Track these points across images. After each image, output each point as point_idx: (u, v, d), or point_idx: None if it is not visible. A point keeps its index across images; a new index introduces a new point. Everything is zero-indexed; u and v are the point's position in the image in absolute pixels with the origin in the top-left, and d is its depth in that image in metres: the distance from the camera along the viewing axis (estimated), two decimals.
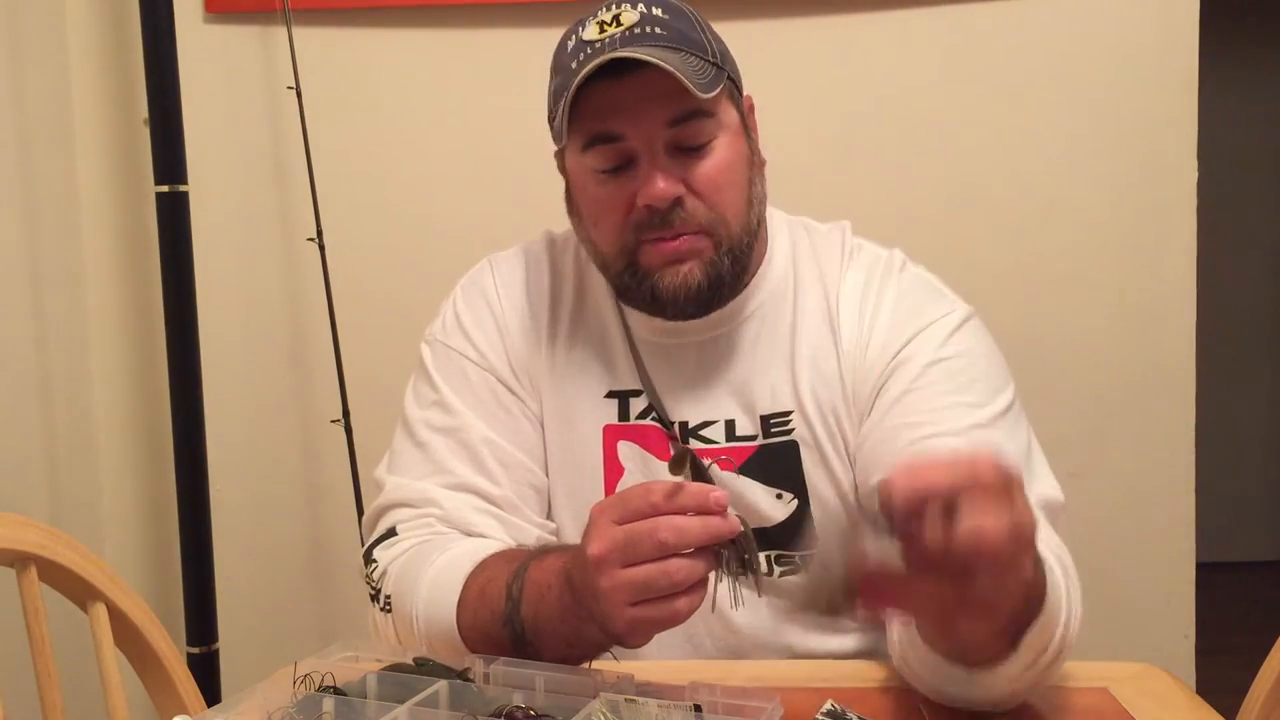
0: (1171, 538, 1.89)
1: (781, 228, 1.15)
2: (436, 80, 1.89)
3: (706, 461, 0.97)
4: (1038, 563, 0.79)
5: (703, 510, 0.77)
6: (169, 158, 1.76)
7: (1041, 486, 1.01)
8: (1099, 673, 0.97)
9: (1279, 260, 4.17)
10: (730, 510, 0.78)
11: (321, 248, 1.77)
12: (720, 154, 1.03)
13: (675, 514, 0.77)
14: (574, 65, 1.00)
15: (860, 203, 1.83)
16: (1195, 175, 1.84)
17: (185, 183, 1.78)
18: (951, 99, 1.85)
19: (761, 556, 1.08)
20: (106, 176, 1.92)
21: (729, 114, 1.05)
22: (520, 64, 1.83)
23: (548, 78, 1.07)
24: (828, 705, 0.86)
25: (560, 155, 1.11)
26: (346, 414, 1.78)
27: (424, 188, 1.90)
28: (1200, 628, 1.90)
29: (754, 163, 1.08)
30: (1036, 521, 0.71)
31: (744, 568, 0.80)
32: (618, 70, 0.97)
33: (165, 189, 1.76)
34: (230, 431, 1.90)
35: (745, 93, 1.10)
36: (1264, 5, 3.84)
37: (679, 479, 0.79)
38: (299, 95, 1.77)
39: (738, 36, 1.11)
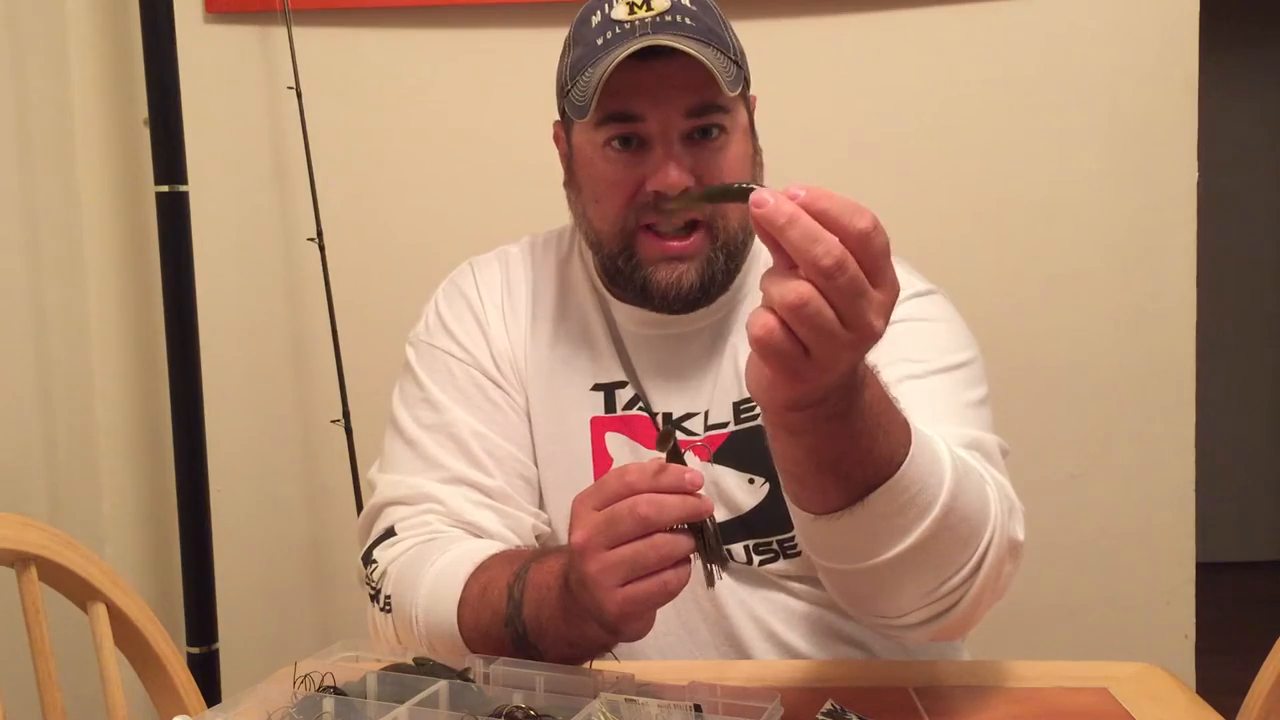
0: (1172, 538, 1.89)
1: None
2: (436, 80, 1.89)
3: (684, 450, 0.97)
4: (890, 413, 0.78)
5: (679, 490, 0.77)
6: (169, 158, 1.76)
7: (982, 435, 0.99)
8: (1099, 673, 0.97)
9: (1279, 260, 4.17)
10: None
11: (321, 248, 1.77)
12: (731, 150, 1.04)
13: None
14: (600, 42, 1.00)
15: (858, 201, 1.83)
16: (1195, 175, 1.84)
17: (185, 183, 1.77)
18: (950, 99, 1.85)
19: (739, 548, 1.09)
20: (106, 176, 1.92)
21: (740, 113, 1.06)
22: (520, 64, 1.83)
23: (549, 75, 1.07)
24: (828, 705, 0.86)
25: (561, 125, 1.11)
26: (346, 414, 1.78)
27: (424, 188, 1.90)
28: (1200, 628, 1.90)
29: (756, 162, 1.09)
30: (887, 295, 0.70)
31: (709, 555, 0.80)
32: (645, 53, 0.98)
33: (165, 189, 1.76)
34: (230, 431, 1.90)
35: (752, 91, 1.11)
36: (1264, 6, 3.84)
37: (661, 456, 0.80)
38: (299, 95, 1.77)
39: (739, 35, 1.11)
